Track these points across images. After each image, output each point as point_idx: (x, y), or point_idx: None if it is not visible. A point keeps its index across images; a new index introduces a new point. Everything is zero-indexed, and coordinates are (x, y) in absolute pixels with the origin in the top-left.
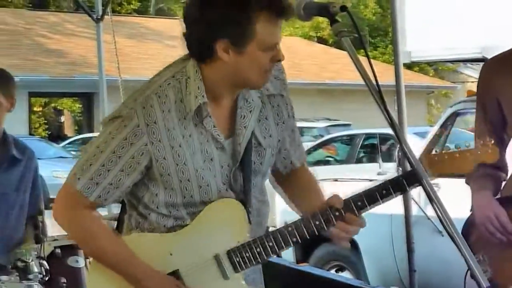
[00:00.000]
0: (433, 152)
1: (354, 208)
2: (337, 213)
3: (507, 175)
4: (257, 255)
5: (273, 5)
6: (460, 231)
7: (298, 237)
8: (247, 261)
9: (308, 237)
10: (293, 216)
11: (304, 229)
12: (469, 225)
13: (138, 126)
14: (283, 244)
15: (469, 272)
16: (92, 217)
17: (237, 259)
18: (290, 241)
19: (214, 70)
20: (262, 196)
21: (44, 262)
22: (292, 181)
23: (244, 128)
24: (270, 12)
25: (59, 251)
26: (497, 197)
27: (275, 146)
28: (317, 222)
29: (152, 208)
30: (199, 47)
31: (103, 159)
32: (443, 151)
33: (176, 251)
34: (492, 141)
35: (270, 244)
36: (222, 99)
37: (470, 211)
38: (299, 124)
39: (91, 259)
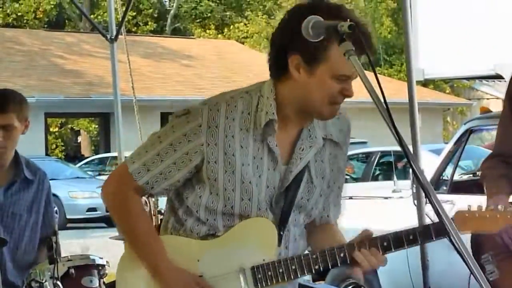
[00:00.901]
0: (465, 210)
1: (379, 246)
2: (362, 247)
3: None
4: (279, 276)
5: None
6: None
7: (320, 265)
8: (268, 279)
9: (330, 268)
10: None
11: (329, 258)
12: None
13: (200, 126)
14: (305, 269)
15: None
16: (136, 200)
17: (259, 276)
18: (313, 268)
19: (286, 88)
20: (301, 234)
21: (58, 283)
22: (320, 231)
23: (299, 159)
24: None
25: (73, 271)
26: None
27: (325, 188)
28: (342, 255)
29: (192, 212)
30: (275, 61)
31: (159, 149)
32: (474, 210)
33: (204, 258)
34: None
35: (293, 267)
36: (289, 123)
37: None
38: None
39: (105, 279)
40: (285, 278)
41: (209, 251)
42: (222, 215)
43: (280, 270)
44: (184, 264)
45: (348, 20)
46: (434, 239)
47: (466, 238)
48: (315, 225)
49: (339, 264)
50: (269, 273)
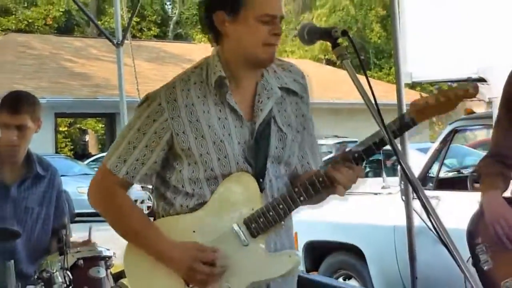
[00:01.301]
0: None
1: (352, 158)
2: (337, 165)
3: None
4: (271, 219)
5: None
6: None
7: (304, 195)
8: (262, 226)
9: (314, 194)
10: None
11: (310, 187)
12: (477, 216)
13: (160, 104)
14: (292, 204)
15: (469, 261)
16: (123, 194)
17: (253, 225)
18: (298, 200)
19: (225, 47)
20: (286, 185)
21: (68, 273)
22: (304, 176)
23: (260, 111)
24: None
25: (82, 262)
26: (506, 195)
27: (295, 134)
28: (320, 179)
29: (178, 189)
30: (208, 27)
31: (129, 138)
32: (427, 96)
33: (199, 228)
34: (472, 81)
35: (281, 206)
36: (241, 80)
37: (480, 204)
38: None
39: (111, 269)
40: (277, 219)
41: (202, 220)
42: (206, 181)
43: (270, 213)
44: (182, 239)
45: None
46: (399, 134)
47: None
48: (299, 174)
49: (320, 189)
50: (261, 219)
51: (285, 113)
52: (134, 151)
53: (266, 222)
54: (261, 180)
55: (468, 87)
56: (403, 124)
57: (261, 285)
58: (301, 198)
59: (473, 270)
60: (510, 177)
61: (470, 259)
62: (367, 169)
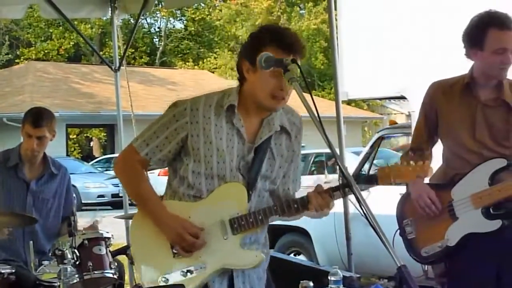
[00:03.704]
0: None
1: (329, 192)
2: (316, 192)
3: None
4: (249, 223)
5: (281, 40)
6: (396, 207)
7: (280, 212)
8: (241, 226)
9: (286, 213)
10: None
11: (285, 207)
12: (404, 198)
13: (185, 109)
14: (269, 216)
15: (397, 232)
16: (139, 168)
17: (235, 225)
18: (274, 215)
19: (244, 88)
20: (268, 198)
21: (76, 251)
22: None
23: (260, 139)
24: (278, 45)
25: (87, 242)
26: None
27: (283, 163)
28: (295, 204)
29: (183, 179)
30: (237, 69)
31: (155, 129)
32: (392, 166)
33: (194, 215)
34: (428, 162)
35: (260, 217)
36: (251, 114)
37: (406, 189)
38: None
39: (110, 248)
40: (255, 224)
41: (197, 209)
42: (205, 178)
43: (250, 220)
44: None
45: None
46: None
47: (386, 218)
48: (279, 194)
49: (293, 210)
50: (242, 222)
51: (280, 146)
52: (157, 139)
53: (246, 225)
54: (250, 192)
55: (425, 167)
56: (370, 180)
57: (237, 269)
58: (277, 214)
59: (398, 241)
60: None
61: (398, 231)
62: (313, 168)
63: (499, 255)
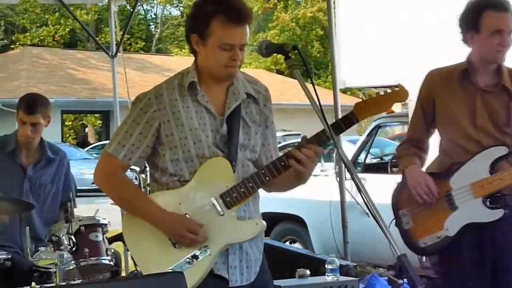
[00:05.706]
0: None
1: (309, 141)
2: (299, 146)
3: (427, 155)
4: (242, 194)
5: (227, 11)
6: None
7: (270, 176)
8: (234, 199)
9: (276, 174)
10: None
11: (273, 168)
12: (401, 187)
13: (149, 99)
14: (259, 182)
15: (393, 221)
16: (122, 173)
17: (228, 199)
18: (264, 180)
19: (198, 63)
20: (252, 168)
21: (72, 237)
22: None
23: (229, 109)
24: (224, 16)
25: (83, 228)
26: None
27: (258, 128)
28: (282, 163)
29: (163, 170)
30: (188, 43)
31: (126, 127)
32: (368, 98)
33: (183, 201)
34: (402, 85)
35: (250, 184)
36: (214, 87)
37: (402, 177)
38: None
39: (107, 234)
40: (247, 194)
41: (186, 194)
42: (185, 162)
43: (242, 190)
44: (170, 210)
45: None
46: (345, 129)
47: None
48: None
49: (281, 169)
50: (234, 194)
51: (251, 114)
52: (131, 137)
53: (238, 196)
54: (233, 163)
55: (400, 92)
56: (349, 120)
57: (234, 245)
58: (267, 178)
59: (396, 231)
60: (423, 157)
61: (394, 220)
62: None
63: (496, 244)
